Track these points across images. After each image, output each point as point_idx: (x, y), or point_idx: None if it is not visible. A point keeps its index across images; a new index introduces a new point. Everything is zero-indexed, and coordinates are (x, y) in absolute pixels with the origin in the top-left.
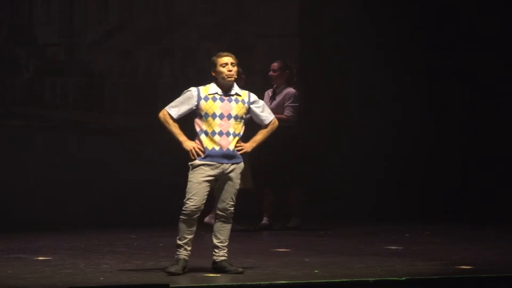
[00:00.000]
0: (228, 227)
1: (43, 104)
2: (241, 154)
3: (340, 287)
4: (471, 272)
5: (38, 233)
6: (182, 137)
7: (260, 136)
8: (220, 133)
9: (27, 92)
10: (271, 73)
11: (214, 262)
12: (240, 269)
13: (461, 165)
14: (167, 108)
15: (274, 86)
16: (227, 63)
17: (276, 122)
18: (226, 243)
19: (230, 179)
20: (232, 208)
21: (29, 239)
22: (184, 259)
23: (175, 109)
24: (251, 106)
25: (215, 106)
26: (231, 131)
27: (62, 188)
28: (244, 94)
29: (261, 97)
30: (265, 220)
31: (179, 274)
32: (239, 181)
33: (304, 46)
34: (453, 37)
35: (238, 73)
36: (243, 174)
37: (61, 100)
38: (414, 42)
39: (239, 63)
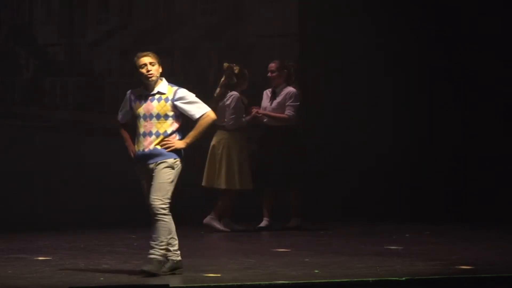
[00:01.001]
0: (157, 224)
1: (43, 104)
2: (170, 151)
3: (340, 287)
4: (471, 272)
5: (38, 233)
6: (127, 142)
7: (193, 131)
8: (144, 134)
9: (27, 92)
10: (269, 74)
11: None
12: (158, 272)
13: (461, 165)
14: (119, 112)
15: (273, 86)
16: (145, 64)
17: (211, 116)
18: (158, 242)
19: (153, 177)
20: (155, 202)
21: (29, 239)
22: (173, 260)
23: (120, 113)
24: (176, 103)
25: (140, 107)
26: (154, 131)
27: (62, 188)
28: (170, 91)
29: (260, 97)
30: (265, 221)
31: (153, 273)
32: (165, 175)
33: (304, 46)
34: (453, 37)
35: (242, 74)
36: (228, 174)
37: (61, 100)
38: (414, 42)
39: (243, 65)
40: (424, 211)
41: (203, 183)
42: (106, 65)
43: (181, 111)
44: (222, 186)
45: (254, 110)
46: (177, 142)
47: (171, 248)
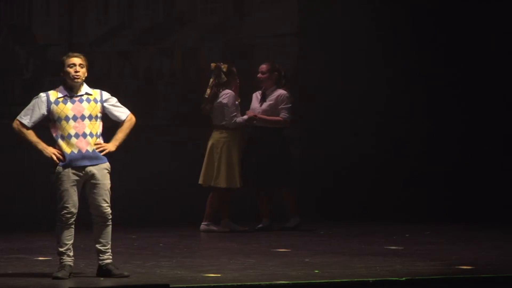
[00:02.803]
0: (108, 229)
1: None
2: (104, 154)
3: (340, 287)
4: (471, 272)
5: (38, 233)
6: (40, 145)
7: (121, 134)
8: (76, 135)
9: (27, 92)
10: (259, 75)
11: (100, 266)
12: (125, 273)
13: (461, 165)
14: (18, 117)
15: (263, 88)
16: (75, 64)
17: (134, 118)
18: (108, 246)
19: (97, 181)
20: (108, 210)
21: (29, 239)
22: (69, 265)
23: (27, 117)
24: (104, 104)
25: (66, 108)
26: (87, 131)
27: None
28: (96, 93)
29: (249, 98)
30: (264, 221)
31: (65, 279)
32: (108, 182)
33: (304, 46)
34: (453, 37)
35: (231, 72)
36: (228, 173)
37: None
38: (414, 42)
39: (233, 65)
40: (424, 211)
41: (200, 181)
42: (106, 65)
43: (107, 112)
44: (223, 185)
45: (251, 114)
46: (109, 145)
47: (71, 254)
